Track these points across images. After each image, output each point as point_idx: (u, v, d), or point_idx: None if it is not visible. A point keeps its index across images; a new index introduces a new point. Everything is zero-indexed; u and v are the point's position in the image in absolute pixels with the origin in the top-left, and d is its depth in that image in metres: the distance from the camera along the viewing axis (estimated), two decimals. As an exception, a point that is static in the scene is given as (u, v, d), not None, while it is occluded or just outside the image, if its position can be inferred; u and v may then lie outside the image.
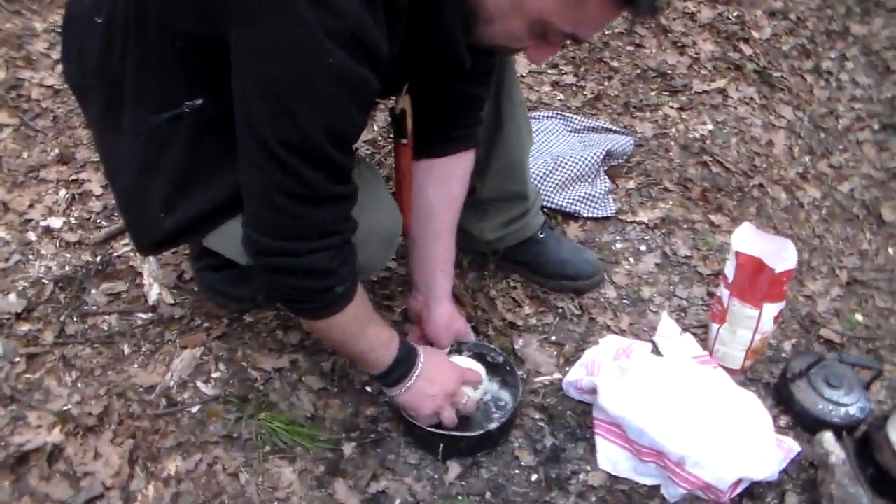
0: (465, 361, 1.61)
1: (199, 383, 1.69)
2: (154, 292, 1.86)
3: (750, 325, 1.67)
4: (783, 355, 1.79)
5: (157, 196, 1.35)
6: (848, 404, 1.62)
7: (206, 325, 1.80)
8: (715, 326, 1.73)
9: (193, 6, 1.13)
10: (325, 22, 1.01)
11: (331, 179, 1.16)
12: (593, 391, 1.61)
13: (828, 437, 1.55)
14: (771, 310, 1.64)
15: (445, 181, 1.57)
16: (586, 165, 2.10)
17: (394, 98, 1.45)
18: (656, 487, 1.53)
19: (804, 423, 1.64)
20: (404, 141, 1.51)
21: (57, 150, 2.19)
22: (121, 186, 1.43)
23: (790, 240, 1.66)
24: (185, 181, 1.33)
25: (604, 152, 2.13)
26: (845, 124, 2.38)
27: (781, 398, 1.68)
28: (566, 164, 2.10)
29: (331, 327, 1.34)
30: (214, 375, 1.71)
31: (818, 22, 2.72)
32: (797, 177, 2.21)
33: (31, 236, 1.98)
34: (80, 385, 1.68)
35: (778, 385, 1.71)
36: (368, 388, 1.70)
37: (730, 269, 1.66)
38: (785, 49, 2.59)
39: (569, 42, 1.32)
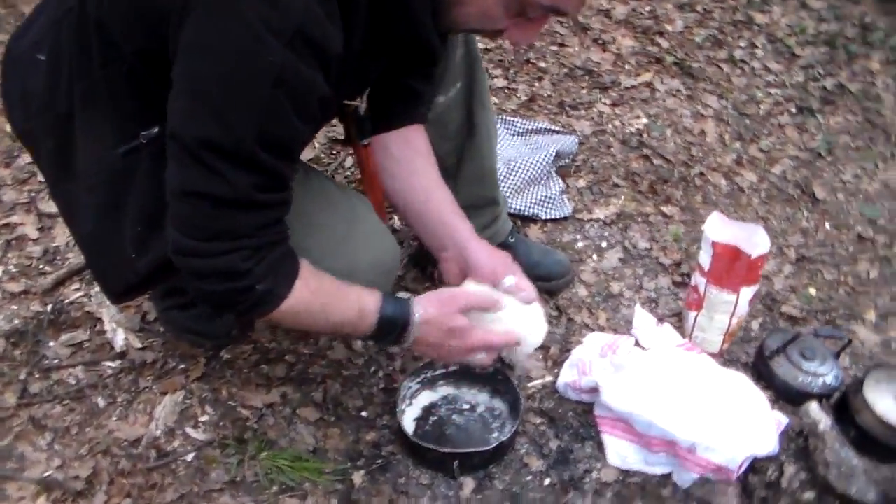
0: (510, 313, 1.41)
1: (187, 429, 1.62)
2: (120, 338, 1.77)
3: (727, 310, 1.75)
4: (752, 334, 1.90)
5: (125, 237, 1.29)
6: (824, 374, 1.73)
7: (181, 366, 1.73)
8: (692, 314, 1.81)
9: (139, 17, 1.09)
10: (267, 17, 0.97)
11: (259, 186, 1.08)
12: (593, 391, 1.65)
13: (813, 407, 1.66)
14: (747, 293, 1.74)
15: (407, 140, 1.47)
16: (538, 168, 2.14)
17: (358, 99, 1.42)
18: (667, 475, 1.59)
19: (787, 397, 1.74)
20: (366, 142, 1.48)
21: (-22, 195, 2.04)
22: (83, 232, 1.36)
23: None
24: (153, 218, 1.25)
25: (553, 153, 2.18)
26: (766, 109, 2.54)
27: (761, 375, 1.78)
28: (518, 168, 2.14)
29: (283, 318, 1.22)
30: (202, 419, 1.64)
31: (724, 13, 2.88)
32: (733, 163, 2.34)
33: (-33, 290, 1.84)
34: (57, 447, 1.58)
35: (756, 363, 1.81)
36: (364, 413, 1.68)
37: (705, 259, 1.75)
38: (698, 41, 2.73)
39: (552, 17, 1.26)
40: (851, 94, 2.58)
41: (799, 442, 1.67)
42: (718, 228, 1.73)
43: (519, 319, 1.39)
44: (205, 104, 1.03)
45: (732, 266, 1.70)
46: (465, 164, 1.72)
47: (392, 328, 1.29)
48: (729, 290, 1.73)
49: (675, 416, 1.54)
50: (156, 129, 1.19)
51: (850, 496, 1.55)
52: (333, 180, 1.54)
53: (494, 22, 1.15)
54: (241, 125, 1.02)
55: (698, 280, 1.78)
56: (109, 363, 1.73)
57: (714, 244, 1.71)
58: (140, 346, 1.76)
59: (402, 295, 1.32)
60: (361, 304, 1.27)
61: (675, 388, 1.60)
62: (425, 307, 1.29)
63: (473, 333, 1.33)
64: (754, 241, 1.69)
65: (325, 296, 1.23)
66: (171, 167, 1.10)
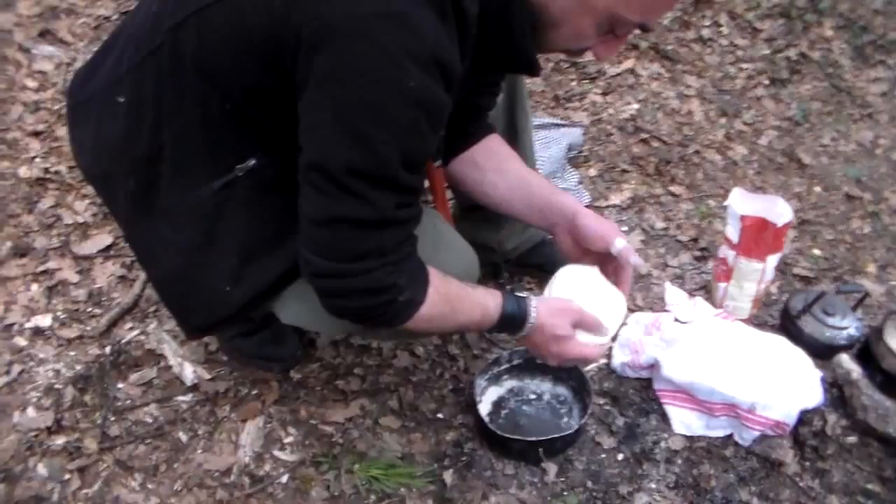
0: (594, 300, 1.46)
1: (275, 452, 1.70)
2: (188, 371, 1.82)
3: (756, 278, 1.92)
4: (773, 297, 2.07)
5: (218, 271, 1.33)
6: (847, 327, 1.91)
7: (255, 392, 1.80)
8: (721, 285, 1.97)
9: (251, 55, 1.11)
10: (405, 43, 1.01)
11: (399, 203, 1.14)
12: (651, 367, 1.80)
13: (845, 358, 1.84)
14: (773, 260, 1.90)
15: (489, 148, 1.55)
16: (554, 163, 2.26)
17: None
18: (729, 436, 1.74)
19: (816, 351, 1.91)
20: (438, 163, 1.52)
21: (9, 243, 2.04)
22: (165, 270, 1.40)
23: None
24: (248, 251, 1.32)
25: (566, 147, 2.31)
26: (741, 84, 2.71)
27: (790, 334, 1.95)
28: (537, 165, 2.26)
29: (418, 324, 1.27)
30: (287, 440, 1.72)
31: (683, -6, 3.04)
32: (723, 138, 2.51)
33: (21, 341, 1.87)
34: (150, 486, 1.64)
35: (783, 323, 1.98)
36: (440, 415, 1.78)
37: (733, 232, 1.90)
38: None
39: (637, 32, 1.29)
40: (814, 61, 2.78)
41: (834, 392, 1.84)
42: (743, 202, 1.88)
43: (611, 311, 1.48)
44: (349, 132, 1.06)
45: (760, 236, 1.86)
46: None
47: (510, 325, 1.38)
48: (757, 260, 1.89)
49: (733, 381, 1.70)
50: (252, 161, 1.22)
51: (889, 434, 1.74)
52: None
53: (586, 41, 1.19)
54: (387, 149, 1.07)
55: (727, 252, 1.94)
56: (182, 397, 1.78)
57: (743, 218, 1.86)
58: (210, 377, 1.81)
59: (521, 294, 1.42)
60: (485, 304, 1.35)
61: (726, 355, 1.75)
62: (540, 311, 1.38)
63: (574, 346, 1.42)
64: (778, 211, 1.85)
65: (453, 299, 1.31)
66: (309, 196, 1.13)
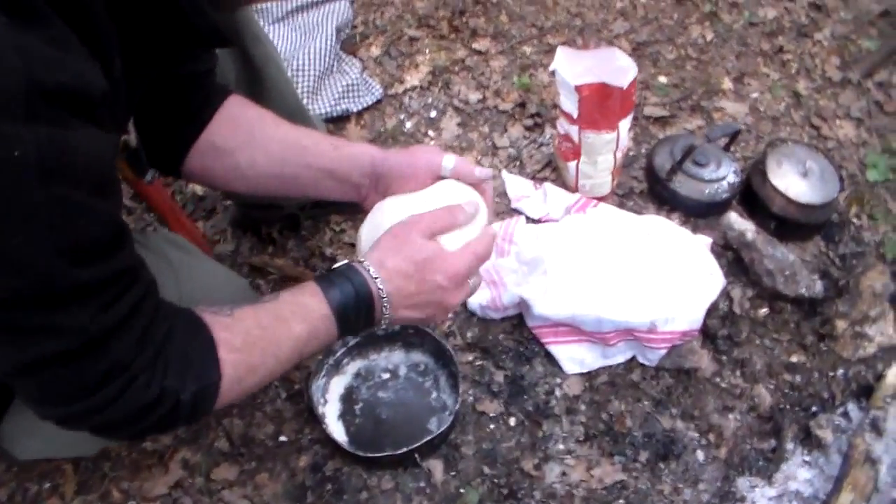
0: (433, 197, 1.07)
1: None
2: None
3: (610, 149, 1.58)
4: (630, 154, 1.75)
5: None
6: (724, 176, 1.63)
7: (47, 486, 1.37)
8: (571, 164, 1.63)
9: None
10: None
11: (105, 304, 0.77)
12: (518, 304, 1.46)
13: (734, 217, 1.58)
14: (625, 124, 1.57)
15: (232, 120, 1.12)
16: (324, 56, 1.79)
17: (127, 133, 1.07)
18: (631, 359, 1.47)
19: (696, 212, 1.64)
20: (150, 178, 1.17)
21: None
22: None
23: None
24: None
25: (334, 30, 1.82)
26: None
27: (663, 199, 1.66)
28: (302, 65, 1.78)
29: (231, 397, 0.91)
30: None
31: None
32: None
33: None
34: None
35: (652, 188, 1.68)
36: (283, 437, 1.42)
37: (569, 105, 1.54)
38: None
39: None
40: None
41: (729, 256, 1.59)
42: (572, 66, 1.51)
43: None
44: None
45: (605, 104, 1.51)
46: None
47: (356, 311, 0.96)
48: (606, 130, 1.55)
49: (621, 303, 1.40)
50: None
51: (801, 295, 1.51)
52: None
53: None
54: (36, 255, 0.69)
55: (568, 128, 1.58)
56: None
57: (578, 88, 1.49)
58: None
59: (337, 265, 0.99)
60: (304, 314, 0.94)
61: (604, 270, 1.44)
62: (379, 256, 0.97)
63: (454, 258, 1.00)
64: (618, 67, 1.49)
65: (257, 339, 0.91)
66: None
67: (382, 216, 1.04)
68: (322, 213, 1.65)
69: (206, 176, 1.12)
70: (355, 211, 1.39)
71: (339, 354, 1.47)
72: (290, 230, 1.64)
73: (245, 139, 1.09)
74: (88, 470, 1.38)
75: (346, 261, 0.98)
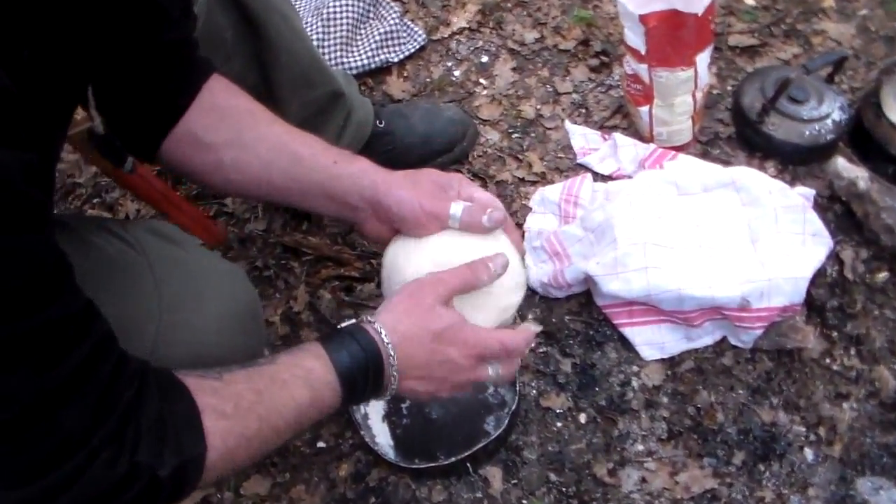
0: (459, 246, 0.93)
1: None
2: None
3: (688, 88, 1.36)
4: (715, 92, 1.52)
5: None
6: (829, 113, 1.39)
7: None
8: (643, 110, 1.41)
9: None
10: None
11: (35, 367, 0.64)
12: (584, 280, 1.27)
13: (841, 163, 1.33)
14: (704, 58, 1.34)
15: (214, 108, 0.98)
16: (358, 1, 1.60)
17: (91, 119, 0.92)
18: (721, 341, 1.26)
19: (796, 159, 1.40)
20: (128, 167, 1.05)
21: None
22: None
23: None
24: None
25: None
26: None
27: (754, 144, 1.42)
28: (335, 13, 1.60)
29: (222, 471, 0.80)
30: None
31: None
32: None
33: None
34: None
35: (743, 132, 1.45)
36: (321, 444, 1.29)
37: (635, 39, 1.32)
38: None
39: None
40: None
41: (837, 209, 1.35)
42: (636, -6, 1.28)
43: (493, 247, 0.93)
44: None
45: (677, 35, 1.28)
46: (274, 73, 1.21)
47: (364, 377, 0.84)
48: (682, 66, 1.32)
49: (707, 275, 1.19)
50: None
51: (930, 252, 1.27)
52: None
53: None
54: None
55: (636, 67, 1.36)
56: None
57: (644, 18, 1.27)
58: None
59: (346, 324, 0.87)
60: (305, 377, 0.82)
61: (684, 236, 1.23)
62: (392, 319, 0.85)
63: (475, 329, 0.89)
64: (691, -12, 1.26)
65: (251, 406, 0.79)
66: None
67: (406, 261, 0.93)
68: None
69: (186, 168, 0.96)
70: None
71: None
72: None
73: (232, 136, 0.93)
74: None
75: (361, 317, 0.87)
